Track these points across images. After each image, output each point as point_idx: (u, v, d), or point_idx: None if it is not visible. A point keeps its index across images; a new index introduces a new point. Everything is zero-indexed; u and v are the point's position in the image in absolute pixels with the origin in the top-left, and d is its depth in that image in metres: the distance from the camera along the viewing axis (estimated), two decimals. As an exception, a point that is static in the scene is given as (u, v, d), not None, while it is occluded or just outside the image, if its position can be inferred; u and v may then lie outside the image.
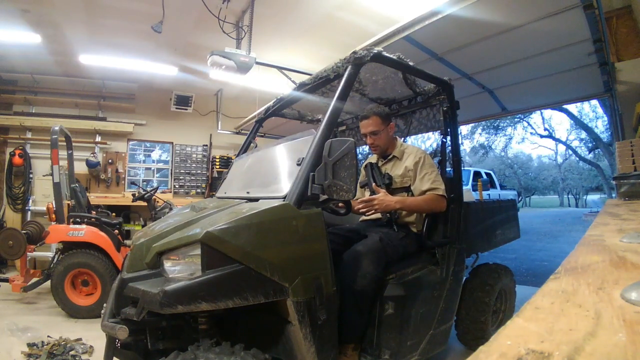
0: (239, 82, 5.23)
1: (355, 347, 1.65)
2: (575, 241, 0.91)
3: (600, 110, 18.58)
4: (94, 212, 4.16)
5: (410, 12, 2.89)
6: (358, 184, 2.17)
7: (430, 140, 13.40)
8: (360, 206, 1.84)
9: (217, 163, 7.16)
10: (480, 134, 23.96)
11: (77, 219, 3.64)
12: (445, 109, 2.21)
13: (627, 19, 3.47)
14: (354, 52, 1.65)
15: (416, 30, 2.92)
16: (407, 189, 2.01)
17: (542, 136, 23.18)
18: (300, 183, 1.39)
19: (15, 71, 5.67)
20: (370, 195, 2.03)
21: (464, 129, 20.66)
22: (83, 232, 3.49)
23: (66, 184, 4.47)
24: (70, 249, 3.49)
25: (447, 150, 2.18)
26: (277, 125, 5.94)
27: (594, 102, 17.38)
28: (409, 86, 2.34)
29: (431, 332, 1.89)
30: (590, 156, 22.55)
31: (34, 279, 3.75)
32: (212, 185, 7.05)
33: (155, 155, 7.63)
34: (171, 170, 7.14)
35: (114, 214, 4.90)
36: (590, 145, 21.12)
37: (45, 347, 2.60)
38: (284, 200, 1.39)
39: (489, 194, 9.03)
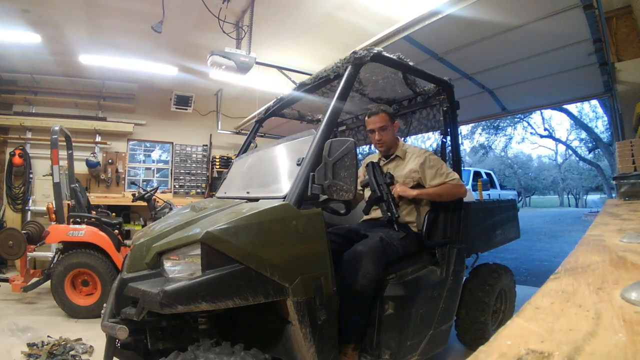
0: (239, 82, 5.23)
1: (355, 347, 1.65)
2: (575, 241, 0.91)
3: (600, 110, 18.60)
4: (94, 212, 4.15)
5: (410, 12, 2.89)
6: (358, 184, 2.18)
7: (430, 140, 13.43)
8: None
9: (217, 163, 7.17)
10: (480, 134, 24.00)
11: (77, 219, 3.64)
12: (445, 109, 2.21)
13: (627, 19, 3.48)
14: (354, 52, 1.65)
15: (416, 30, 2.92)
16: None
17: (542, 136, 23.19)
18: (300, 183, 1.39)
19: (15, 71, 5.67)
20: (369, 195, 2.05)
21: (464, 129, 20.71)
22: (83, 232, 3.48)
23: (66, 184, 4.47)
24: (70, 249, 3.48)
25: (447, 150, 2.19)
26: (277, 125, 5.95)
27: (594, 102, 17.39)
28: (409, 86, 2.34)
29: (431, 332, 1.89)
30: (590, 156, 22.54)
31: (34, 279, 3.75)
32: (212, 185, 7.05)
33: (155, 155, 7.64)
34: (171, 170, 7.14)
35: (114, 214, 4.91)
36: (590, 145, 21.11)
37: (45, 347, 2.60)
38: (284, 200, 1.38)
39: (489, 194, 9.03)
